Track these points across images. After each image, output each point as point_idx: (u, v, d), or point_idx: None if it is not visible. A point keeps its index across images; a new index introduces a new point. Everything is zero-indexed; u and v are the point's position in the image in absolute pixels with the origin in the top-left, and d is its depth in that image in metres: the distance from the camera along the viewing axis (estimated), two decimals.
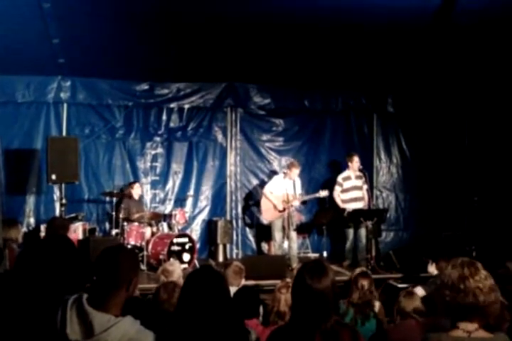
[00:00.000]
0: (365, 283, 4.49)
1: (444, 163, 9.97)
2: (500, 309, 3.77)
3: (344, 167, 9.18)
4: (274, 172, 9.51)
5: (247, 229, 9.59)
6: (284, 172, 8.48)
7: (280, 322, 3.81)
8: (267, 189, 8.42)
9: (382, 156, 10.19)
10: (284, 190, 8.18)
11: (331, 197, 8.66)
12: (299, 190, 8.45)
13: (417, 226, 10.04)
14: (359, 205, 8.63)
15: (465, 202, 9.85)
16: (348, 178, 8.74)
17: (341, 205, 8.69)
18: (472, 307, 2.23)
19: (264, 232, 9.29)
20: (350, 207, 8.60)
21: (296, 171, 8.28)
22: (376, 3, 6.42)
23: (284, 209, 8.14)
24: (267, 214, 8.43)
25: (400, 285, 6.39)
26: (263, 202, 8.49)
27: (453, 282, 2.25)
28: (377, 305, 4.58)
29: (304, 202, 8.95)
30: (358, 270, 4.95)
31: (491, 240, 8.74)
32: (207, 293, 2.27)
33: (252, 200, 9.63)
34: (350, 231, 8.69)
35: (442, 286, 2.29)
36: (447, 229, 9.36)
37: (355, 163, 8.67)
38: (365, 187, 8.78)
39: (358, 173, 8.71)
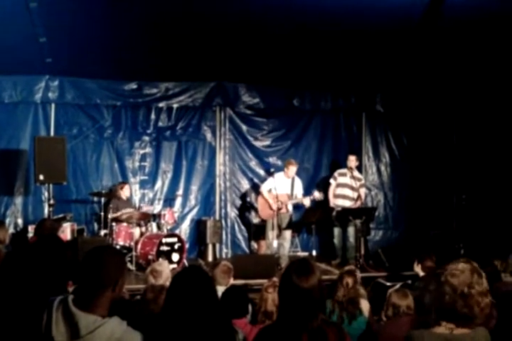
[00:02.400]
0: (349, 280, 4.51)
1: (433, 162, 10.04)
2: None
3: (331, 166, 9.57)
4: (270, 173, 9.54)
5: (237, 229, 9.59)
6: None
7: (268, 321, 3.80)
8: (264, 187, 8.40)
9: (371, 155, 10.24)
10: (281, 189, 8.16)
11: None
12: (299, 189, 8.44)
13: (405, 224, 10.10)
14: (346, 203, 8.67)
15: (453, 200, 9.91)
16: (343, 174, 8.83)
17: (331, 200, 8.75)
18: (464, 316, 2.29)
19: (253, 231, 9.30)
20: (337, 203, 8.71)
21: (293, 169, 8.27)
22: (364, 3, 6.45)
23: (280, 209, 8.12)
24: (263, 212, 8.40)
25: (388, 284, 6.40)
26: (260, 200, 8.48)
27: (457, 287, 2.28)
28: (364, 303, 4.58)
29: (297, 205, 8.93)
30: (346, 268, 4.97)
31: (479, 238, 8.80)
32: (193, 293, 2.27)
33: (241, 199, 9.64)
34: (337, 230, 8.74)
35: (443, 286, 2.31)
36: (435, 228, 9.42)
37: (349, 161, 8.76)
38: (363, 190, 8.87)
39: (356, 174, 8.75)
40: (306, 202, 8.25)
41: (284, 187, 8.23)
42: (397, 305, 4.01)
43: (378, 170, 10.26)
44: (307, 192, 8.58)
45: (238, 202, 9.64)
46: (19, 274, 3.07)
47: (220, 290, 3.80)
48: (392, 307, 4.04)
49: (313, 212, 8.59)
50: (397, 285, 5.05)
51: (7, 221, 8.13)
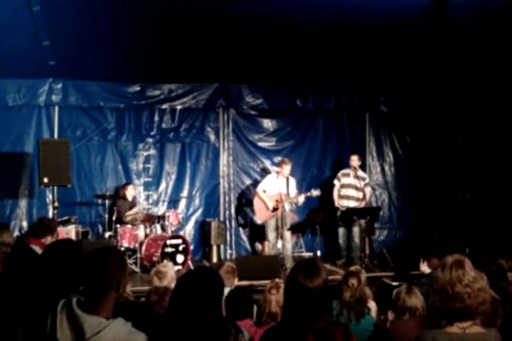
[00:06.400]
0: (354, 281, 4.51)
1: (437, 161, 10.01)
2: (492, 306, 3.79)
3: (335, 166, 9.53)
4: (267, 172, 9.51)
5: (241, 230, 9.58)
6: (277, 172, 8.43)
7: (272, 323, 3.79)
8: (260, 188, 8.41)
9: (375, 155, 10.23)
10: (276, 189, 8.16)
11: (323, 196, 8.66)
12: (293, 189, 8.42)
13: (410, 224, 10.07)
14: (351, 204, 8.65)
15: (458, 200, 9.88)
16: (346, 175, 8.79)
17: (336, 201, 8.74)
18: (461, 312, 2.28)
19: (257, 232, 9.28)
20: (342, 203, 8.69)
21: (287, 168, 8.25)
22: (368, 2, 6.44)
23: (276, 209, 8.11)
24: (260, 213, 8.42)
25: (393, 283, 6.39)
26: (256, 201, 8.48)
27: (442, 287, 2.29)
28: (372, 304, 4.58)
29: (296, 203, 8.92)
30: (350, 269, 4.98)
31: (484, 237, 8.77)
32: (198, 295, 2.26)
33: (245, 200, 9.63)
34: (341, 230, 8.72)
35: (432, 291, 2.33)
36: (440, 227, 9.39)
37: (352, 161, 8.71)
38: (368, 189, 8.86)
39: (360, 173, 8.73)
40: (301, 199, 8.23)
41: (280, 187, 8.20)
42: (407, 304, 3.97)
43: (382, 169, 10.24)
44: (309, 191, 8.57)
45: (242, 203, 9.63)
46: (23, 276, 3.07)
47: (225, 291, 3.79)
48: (403, 307, 3.99)
49: (317, 212, 8.59)
50: (404, 285, 5.03)
51: (12, 224, 8.14)
